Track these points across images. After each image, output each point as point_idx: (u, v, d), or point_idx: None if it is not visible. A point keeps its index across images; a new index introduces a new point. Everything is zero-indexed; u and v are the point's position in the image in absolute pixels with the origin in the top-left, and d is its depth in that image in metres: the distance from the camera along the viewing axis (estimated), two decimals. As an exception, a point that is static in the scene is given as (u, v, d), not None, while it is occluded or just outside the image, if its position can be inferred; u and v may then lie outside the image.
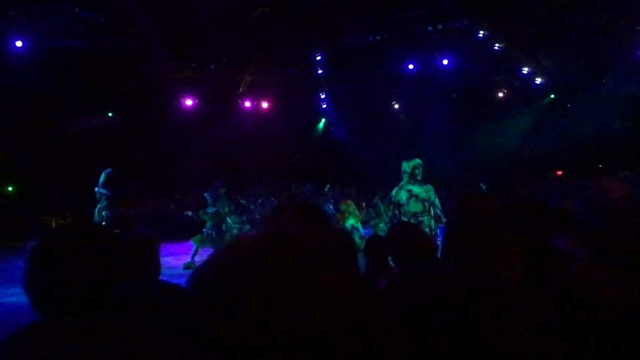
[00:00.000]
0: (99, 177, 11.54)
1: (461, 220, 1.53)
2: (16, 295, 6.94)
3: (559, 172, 18.88)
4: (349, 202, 12.01)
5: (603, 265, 1.57)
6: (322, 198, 13.63)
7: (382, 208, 12.10)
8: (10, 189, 17.03)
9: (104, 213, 11.36)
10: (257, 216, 12.43)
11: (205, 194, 11.05)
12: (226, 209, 10.81)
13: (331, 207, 13.01)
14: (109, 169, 11.62)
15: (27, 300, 1.34)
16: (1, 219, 15.43)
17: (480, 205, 1.54)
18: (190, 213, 11.02)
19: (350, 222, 10.85)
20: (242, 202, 12.60)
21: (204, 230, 10.53)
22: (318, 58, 16.84)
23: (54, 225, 16.18)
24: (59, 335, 1.19)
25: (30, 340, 1.26)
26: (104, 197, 11.46)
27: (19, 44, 12.85)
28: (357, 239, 10.08)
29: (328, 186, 13.72)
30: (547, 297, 1.31)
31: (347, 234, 1.96)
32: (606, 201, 2.18)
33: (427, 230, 8.36)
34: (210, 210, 10.66)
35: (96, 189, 11.50)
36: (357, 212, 11.55)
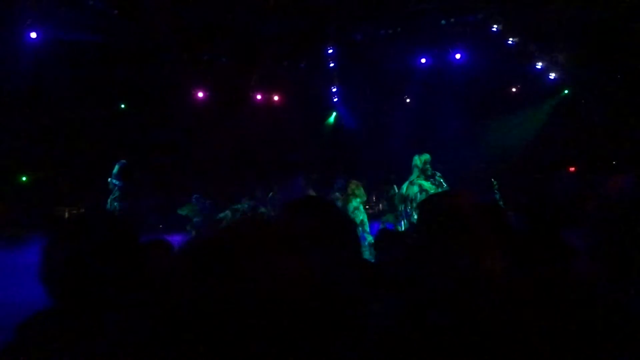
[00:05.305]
0: (112, 168, 11.66)
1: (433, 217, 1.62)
2: (28, 285, 7.02)
3: (572, 169, 18.66)
4: (358, 183, 11.90)
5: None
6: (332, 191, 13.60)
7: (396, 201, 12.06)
8: (23, 179, 17.19)
9: (115, 204, 11.46)
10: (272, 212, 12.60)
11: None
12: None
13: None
14: (123, 161, 11.73)
15: (40, 290, 1.36)
16: (15, 209, 15.60)
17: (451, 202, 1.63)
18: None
19: (353, 204, 10.95)
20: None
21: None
22: (330, 51, 16.76)
23: (67, 216, 16.35)
24: (70, 321, 1.21)
25: (40, 326, 1.28)
26: (117, 188, 11.57)
27: (33, 35, 12.95)
28: (359, 218, 10.12)
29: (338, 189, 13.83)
30: (542, 287, 1.31)
31: (350, 223, 1.95)
32: (619, 197, 2.16)
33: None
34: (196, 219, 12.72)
35: (109, 179, 11.62)
36: (363, 192, 11.59)
